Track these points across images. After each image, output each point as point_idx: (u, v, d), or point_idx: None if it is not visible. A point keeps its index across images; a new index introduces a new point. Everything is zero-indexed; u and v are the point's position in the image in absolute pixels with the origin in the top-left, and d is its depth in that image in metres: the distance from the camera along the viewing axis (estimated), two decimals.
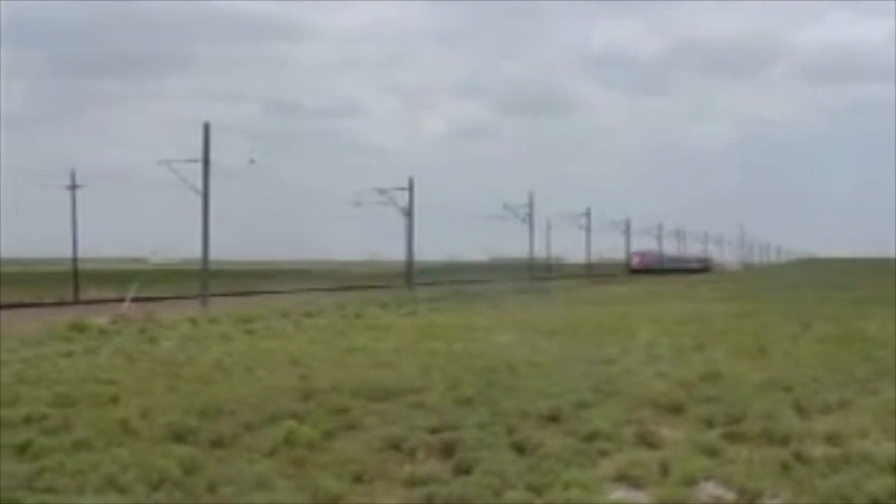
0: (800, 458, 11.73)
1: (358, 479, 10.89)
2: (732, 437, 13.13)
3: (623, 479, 11.06)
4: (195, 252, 60.04)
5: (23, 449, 12.23)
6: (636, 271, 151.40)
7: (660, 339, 26.94)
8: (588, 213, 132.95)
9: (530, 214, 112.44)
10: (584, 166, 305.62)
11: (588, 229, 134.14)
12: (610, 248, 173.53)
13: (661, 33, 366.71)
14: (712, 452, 12.18)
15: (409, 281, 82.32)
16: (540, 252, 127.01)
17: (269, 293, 67.85)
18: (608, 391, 17.19)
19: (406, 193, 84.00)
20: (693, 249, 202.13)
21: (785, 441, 12.75)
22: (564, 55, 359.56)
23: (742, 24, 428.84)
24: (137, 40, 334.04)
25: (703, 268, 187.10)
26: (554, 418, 14.50)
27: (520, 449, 12.31)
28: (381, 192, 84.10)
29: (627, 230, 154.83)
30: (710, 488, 10.66)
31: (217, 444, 12.59)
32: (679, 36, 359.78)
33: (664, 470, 11.23)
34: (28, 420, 14.10)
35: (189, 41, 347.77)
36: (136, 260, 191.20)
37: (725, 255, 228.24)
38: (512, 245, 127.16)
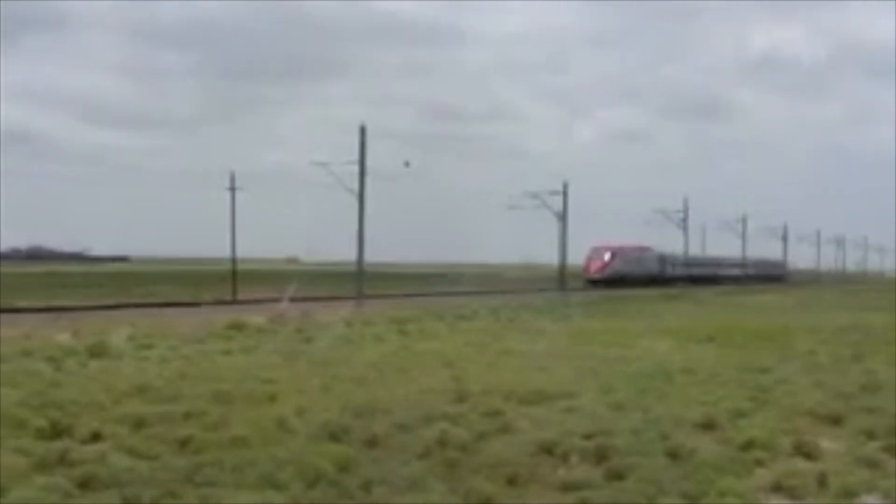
0: None
1: (511, 482, 10.89)
2: (894, 450, 12.82)
3: (779, 489, 10.89)
4: (349, 253, 60.84)
5: (184, 444, 12.52)
6: (597, 281, 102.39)
7: (817, 347, 26.40)
8: (744, 219, 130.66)
9: (685, 220, 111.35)
10: (741, 171, 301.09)
11: (744, 235, 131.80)
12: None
13: (822, 36, 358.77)
14: (873, 465, 11.93)
15: (562, 285, 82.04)
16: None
17: (423, 295, 68.26)
18: (764, 400, 16.93)
19: (560, 197, 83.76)
20: (771, 252, 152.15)
21: None
22: (722, 58, 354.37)
23: None
24: (300, 45, 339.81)
25: (762, 277, 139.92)
26: (709, 426, 14.33)
27: (674, 456, 12.18)
28: (535, 196, 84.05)
29: (785, 236, 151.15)
30: (871, 501, 10.43)
31: (371, 443, 12.72)
32: (840, 38, 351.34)
33: (822, 481, 11.01)
34: (188, 416, 14.42)
35: (349, 46, 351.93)
36: (291, 260, 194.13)
37: (885, 263, 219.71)
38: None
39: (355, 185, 56.65)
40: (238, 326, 31.41)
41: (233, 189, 67.23)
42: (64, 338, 26.29)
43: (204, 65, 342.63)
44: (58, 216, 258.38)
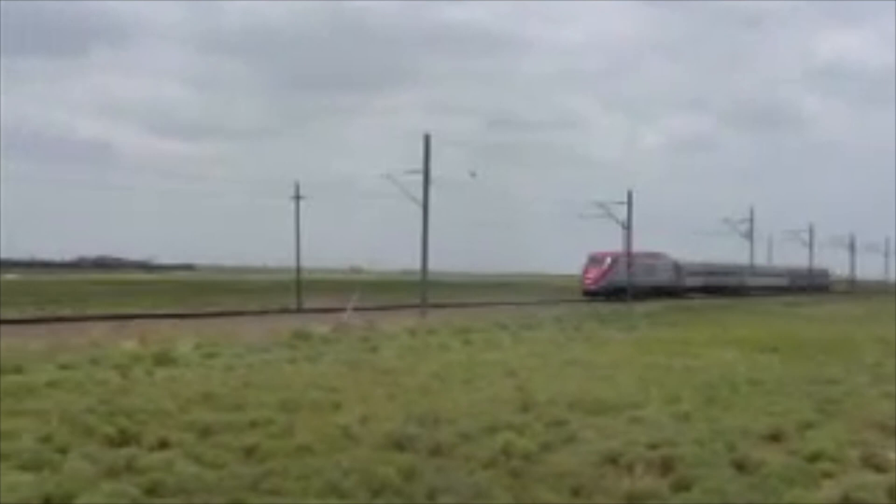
0: None
1: (576, 492, 10.86)
2: None
3: (848, 501, 10.76)
4: (412, 263, 60.91)
5: (249, 452, 12.61)
6: (595, 293, 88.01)
7: (885, 359, 26.06)
8: (811, 229, 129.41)
9: (751, 229, 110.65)
10: (808, 180, 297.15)
11: (811, 245, 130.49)
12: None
13: (890, 42, 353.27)
14: None
15: (626, 295, 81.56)
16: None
17: (487, 305, 68.25)
18: (832, 411, 16.79)
19: (624, 206, 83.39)
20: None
21: None
22: (788, 66, 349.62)
23: None
24: (365, 54, 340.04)
25: (801, 286, 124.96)
26: (775, 437, 14.24)
27: (740, 467, 12.11)
28: (600, 205, 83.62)
29: (852, 246, 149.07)
30: None
31: (436, 452, 12.73)
32: None
33: (891, 494, 10.92)
34: (254, 424, 14.51)
35: (414, 55, 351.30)
36: (354, 270, 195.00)
37: None
38: (733, 260, 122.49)
39: (419, 195, 56.80)
40: (303, 335, 31.52)
41: (297, 198, 67.42)
42: (131, 345, 26.52)
43: (269, 74, 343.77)
44: (124, 225, 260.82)
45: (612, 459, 12.45)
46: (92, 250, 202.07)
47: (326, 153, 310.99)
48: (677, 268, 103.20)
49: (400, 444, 13.09)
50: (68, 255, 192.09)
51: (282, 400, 16.73)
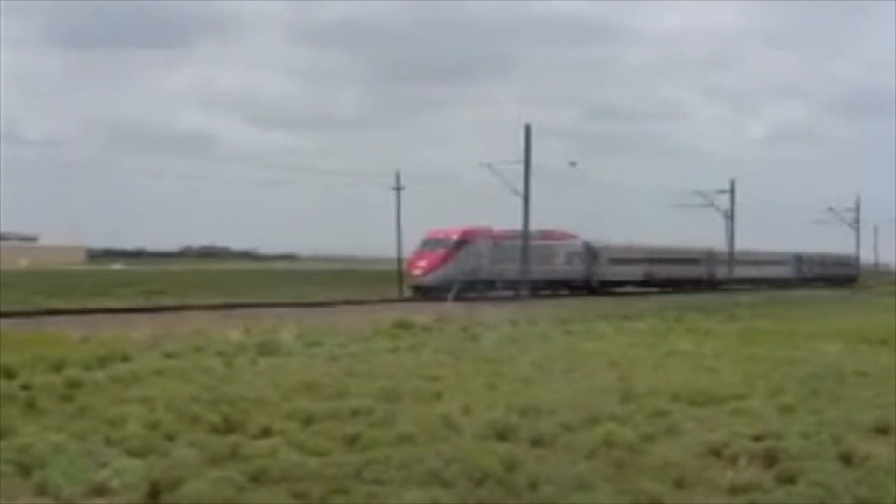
0: None
1: (678, 483, 10.79)
2: None
3: None
4: None
5: (352, 441, 12.69)
6: (428, 288, 59.49)
7: None
8: None
9: (857, 219, 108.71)
10: None
11: None
12: None
13: None
14: None
15: (728, 285, 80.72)
16: (866, 258, 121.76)
17: (587, 296, 67.95)
18: None
19: (726, 196, 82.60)
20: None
21: None
22: (893, 54, 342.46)
23: None
24: (463, 45, 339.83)
25: (812, 278, 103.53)
26: (883, 430, 13.98)
27: (846, 460, 11.93)
28: (702, 194, 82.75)
29: None
30: None
31: (537, 442, 12.73)
32: None
33: None
34: (356, 413, 14.60)
35: (511, 45, 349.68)
36: None
37: None
38: (837, 250, 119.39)
39: (519, 184, 56.71)
40: (404, 325, 31.65)
41: (398, 189, 67.67)
42: (234, 334, 26.81)
43: (369, 65, 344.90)
44: (228, 215, 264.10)
45: (716, 451, 12.36)
46: (197, 240, 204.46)
47: (425, 144, 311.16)
48: (590, 253, 74.83)
49: (501, 434, 13.11)
50: (174, 245, 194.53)
51: (383, 389, 16.81)
